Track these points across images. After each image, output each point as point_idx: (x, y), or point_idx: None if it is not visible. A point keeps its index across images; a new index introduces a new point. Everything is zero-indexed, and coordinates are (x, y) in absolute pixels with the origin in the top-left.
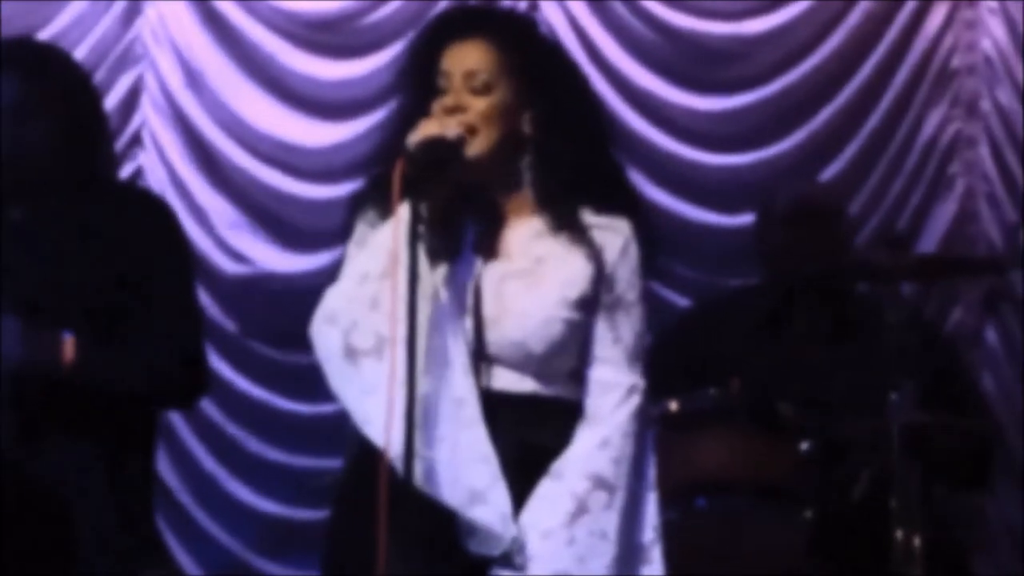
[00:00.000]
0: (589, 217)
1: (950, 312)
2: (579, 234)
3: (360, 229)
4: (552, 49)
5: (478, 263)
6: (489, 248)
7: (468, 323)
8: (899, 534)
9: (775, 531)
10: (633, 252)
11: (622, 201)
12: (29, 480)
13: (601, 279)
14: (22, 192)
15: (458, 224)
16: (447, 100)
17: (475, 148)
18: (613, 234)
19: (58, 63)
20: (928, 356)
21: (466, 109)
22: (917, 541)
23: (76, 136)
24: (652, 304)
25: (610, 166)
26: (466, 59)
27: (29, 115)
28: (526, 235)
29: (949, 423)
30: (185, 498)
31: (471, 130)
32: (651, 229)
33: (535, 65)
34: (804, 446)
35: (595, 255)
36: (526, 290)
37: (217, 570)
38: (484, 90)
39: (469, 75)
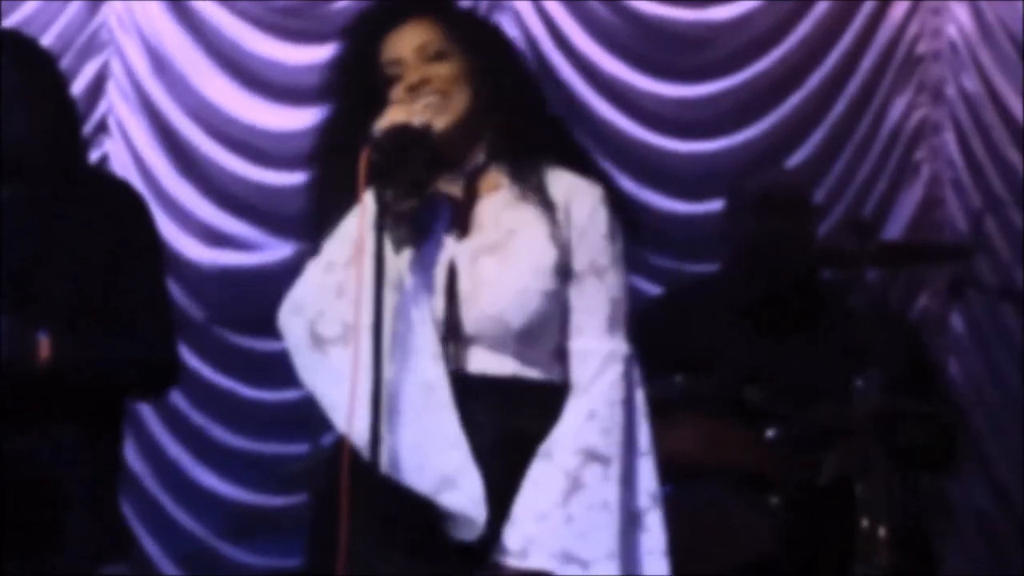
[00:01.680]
0: (556, 176)
1: (916, 298)
2: (549, 199)
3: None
4: (484, 21)
5: (450, 242)
6: (461, 226)
7: (440, 303)
8: (864, 522)
9: (743, 517)
10: (603, 215)
11: (584, 154)
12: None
13: (571, 244)
14: (2, 178)
15: (431, 203)
16: (409, 78)
17: (450, 114)
18: (581, 196)
19: (31, 50)
20: (892, 341)
21: (430, 79)
22: (883, 529)
23: (55, 123)
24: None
25: (564, 126)
26: (412, 38)
27: (10, 102)
28: (496, 207)
29: (914, 409)
30: (151, 484)
31: (443, 95)
32: (621, 194)
33: (476, 36)
34: (771, 432)
35: (565, 220)
36: (499, 263)
37: (183, 555)
38: (440, 57)
39: (420, 49)
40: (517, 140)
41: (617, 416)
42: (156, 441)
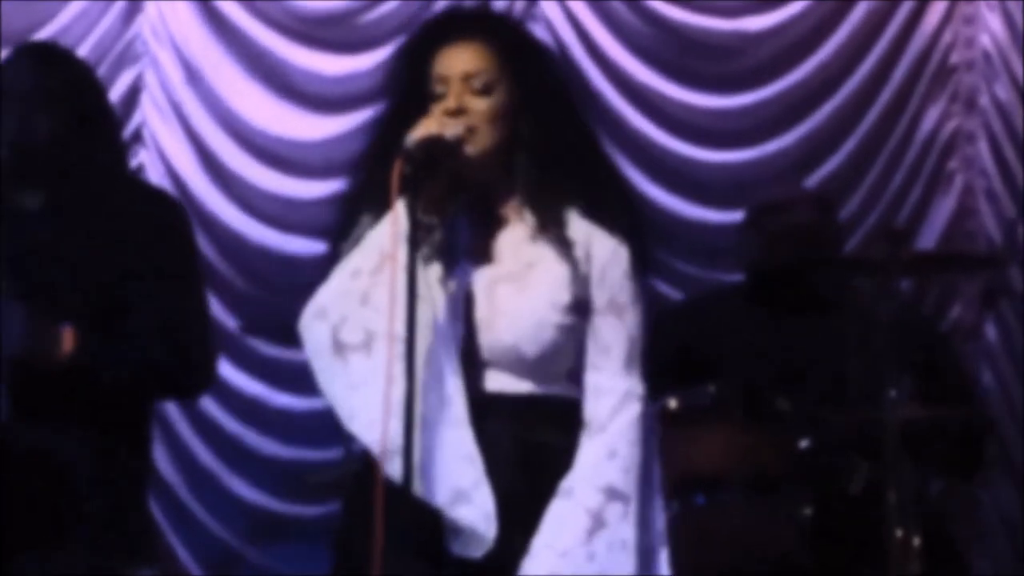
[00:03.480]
0: (579, 220)
1: (949, 307)
2: (568, 237)
3: (356, 234)
4: (544, 51)
5: (470, 267)
6: (481, 252)
7: (459, 326)
8: (898, 531)
9: (774, 527)
10: (624, 254)
11: (615, 203)
12: (24, 461)
13: (591, 282)
14: (34, 180)
15: (453, 223)
16: (448, 103)
17: (475, 147)
18: (603, 236)
19: (67, 57)
20: (921, 349)
21: (468, 111)
22: (916, 538)
23: (86, 127)
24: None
25: (604, 168)
26: (463, 61)
27: (42, 104)
28: (517, 239)
29: (944, 417)
30: (183, 492)
31: (472, 130)
32: (644, 230)
33: (530, 67)
34: (803, 442)
35: (584, 258)
36: (516, 294)
37: (213, 561)
38: (484, 91)
39: (468, 77)
40: (547, 182)
41: (636, 455)
42: (188, 449)
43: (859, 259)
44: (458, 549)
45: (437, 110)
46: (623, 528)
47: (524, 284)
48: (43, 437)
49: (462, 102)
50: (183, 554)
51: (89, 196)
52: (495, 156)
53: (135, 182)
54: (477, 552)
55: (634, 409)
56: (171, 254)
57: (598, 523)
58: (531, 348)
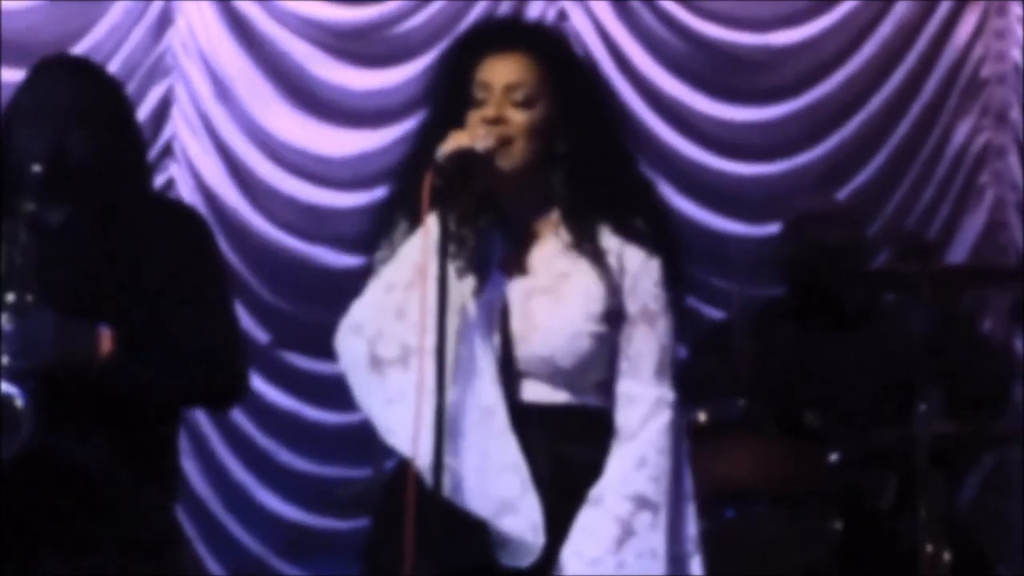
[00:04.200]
0: (610, 235)
1: (980, 321)
2: (601, 247)
3: (387, 247)
4: (587, 68)
5: (504, 279)
6: (515, 264)
7: (496, 339)
8: (928, 546)
9: (804, 541)
10: (655, 264)
11: (648, 219)
12: (52, 469)
13: (623, 291)
14: (63, 196)
15: (485, 236)
16: (487, 111)
17: (510, 160)
18: (635, 247)
19: (102, 76)
20: (952, 365)
21: (507, 122)
22: (947, 553)
23: (118, 145)
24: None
25: (639, 184)
26: (508, 72)
27: (75, 121)
28: (550, 252)
29: (975, 432)
30: (215, 506)
31: (507, 142)
32: (678, 246)
33: (572, 84)
34: (833, 456)
35: (617, 269)
36: (551, 306)
37: (245, 574)
38: (525, 104)
39: (510, 88)
40: (583, 199)
41: (665, 463)
42: (221, 463)
43: (889, 272)
44: (505, 560)
45: (475, 117)
46: (652, 537)
47: (558, 296)
48: (71, 445)
49: (502, 112)
50: (215, 567)
51: (115, 213)
52: (529, 170)
53: (159, 198)
54: (525, 561)
55: (665, 417)
56: (197, 267)
57: (627, 532)
58: (567, 359)
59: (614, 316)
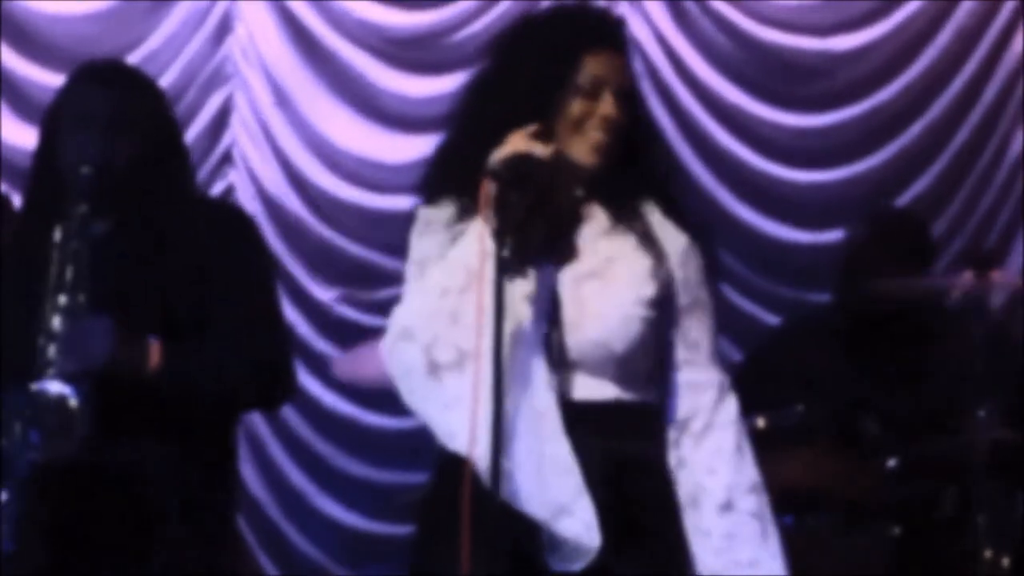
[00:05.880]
0: (652, 214)
1: None
2: (644, 231)
3: (422, 244)
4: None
5: (551, 268)
6: (562, 251)
7: (545, 329)
8: (987, 553)
9: (862, 549)
10: (695, 252)
11: (683, 200)
12: (108, 476)
13: (671, 278)
14: (109, 205)
15: (536, 237)
16: (606, 110)
17: (608, 161)
18: (675, 234)
19: (146, 82)
20: (1012, 371)
21: (618, 120)
22: (1006, 559)
23: (163, 153)
24: (742, 321)
25: (672, 165)
26: (619, 72)
27: (122, 129)
28: (593, 234)
29: None
30: (273, 511)
31: (616, 137)
32: (711, 231)
33: (638, 86)
34: (891, 463)
35: (661, 254)
36: (601, 290)
37: None
38: (627, 99)
39: (623, 90)
40: (618, 176)
41: (749, 442)
42: (279, 468)
43: (949, 284)
44: (557, 563)
45: (581, 107)
46: (770, 513)
47: (607, 280)
48: (128, 451)
49: (615, 110)
50: (272, 572)
51: (159, 220)
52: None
53: (203, 200)
54: (577, 565)
55: (734, 398)
56: (242, 266)
57: (764, 521)
58: (620, 344)
59: (662, 302)
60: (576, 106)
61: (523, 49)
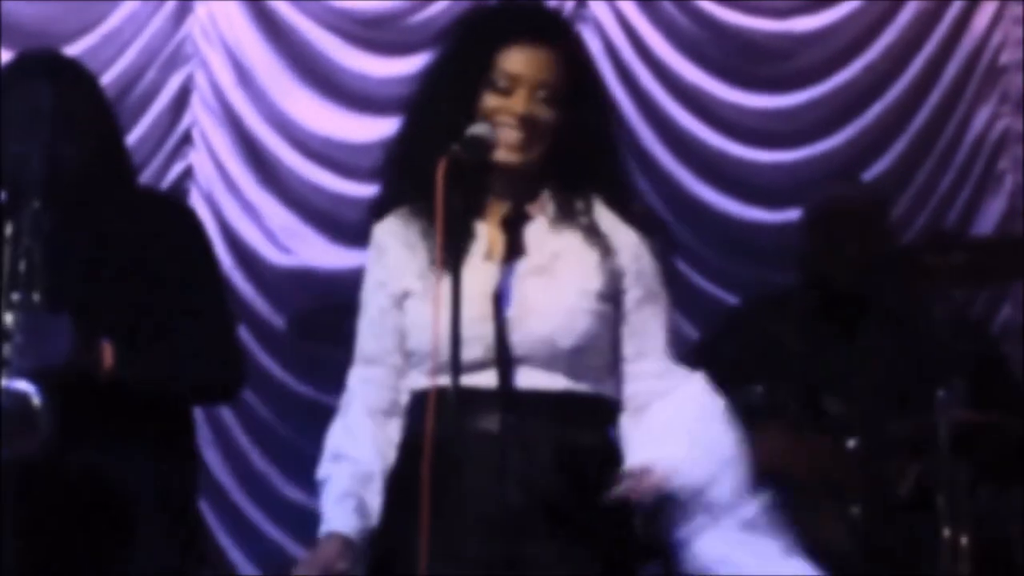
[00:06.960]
0: (599, 209)
1: (999, 309)
2: (591, 225)
3: (379, 236)
4: (594, 66)
5: (492, 266)
6: (508, 248)
7: (489, 327)
8: (946, 532)
9: (823, 527)
10: (646, 242)
11: (631, 192)
12: (71, 475)
13: (621, 272)
14: (54, 202)
15: (473, 226)
16: (516, 106)
17: (526, 157)
18: (626, 227)
19: (87, 75)
20: (973, 352)
21: (535, 121)
22: (964, 539)
23: (107, 146)
24: (703, 302)
25: (619, 158)
26: (539, 68)
27: (68, 124)
28: (539, 232)
29: (996, 421)
30: (237, 495)
31: (529, 139)
32: (659, 218)
33: (586, 84)
34: (851, 442)
35: (609, 248)
36: (546, 286)
37: (267, 563)
38: (549, 103)
39: (540, 85)
40: (572, 177)
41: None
42: (242, 452)
43: (907, 261)
44: None
45: (494, 102)
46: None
47: (553, 275)
48: (90, 451)
49: (531, 109)
50: (237, 556)
51: (104, 215)
52: (538, 166)
53: (147, 195)
54: None
55: (693, 384)
56: (187, 262)
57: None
58: (566, 339)
59: (610, 295)
60: (490, 101)
61: (449, 42)
